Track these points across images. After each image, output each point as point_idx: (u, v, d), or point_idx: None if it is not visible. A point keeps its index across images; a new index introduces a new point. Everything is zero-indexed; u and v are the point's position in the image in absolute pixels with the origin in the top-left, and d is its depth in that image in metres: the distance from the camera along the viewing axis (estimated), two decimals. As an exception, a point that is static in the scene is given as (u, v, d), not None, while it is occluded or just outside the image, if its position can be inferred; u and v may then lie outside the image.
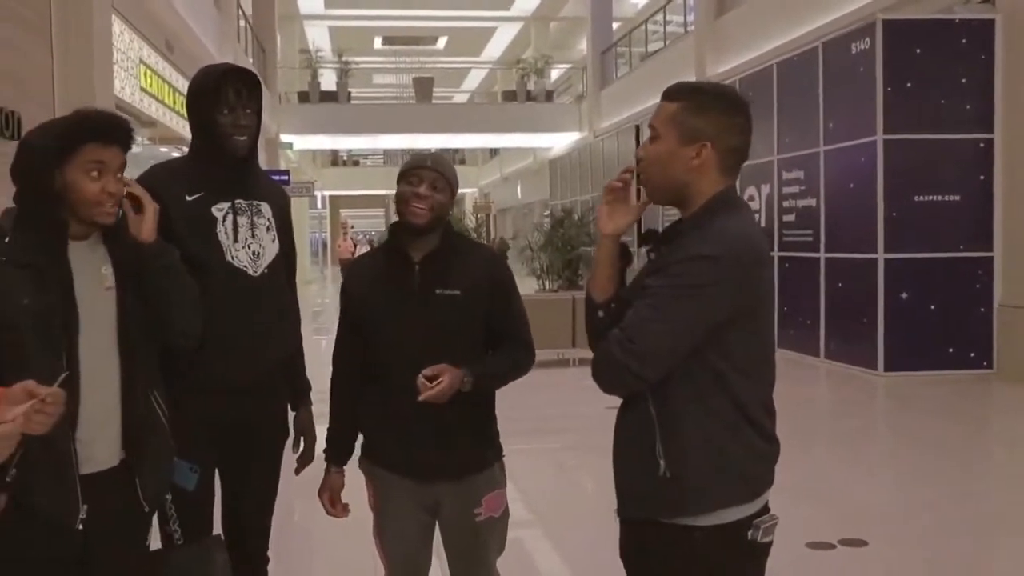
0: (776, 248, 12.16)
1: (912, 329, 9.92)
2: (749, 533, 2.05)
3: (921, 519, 5.36)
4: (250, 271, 2.76)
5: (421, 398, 2.49)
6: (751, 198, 12.91)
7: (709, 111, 2.07)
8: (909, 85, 9.85)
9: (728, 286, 1.97)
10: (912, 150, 9.87)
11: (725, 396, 2.02)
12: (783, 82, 12.06)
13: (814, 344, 11.21)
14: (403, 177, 2.69)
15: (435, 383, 2.50)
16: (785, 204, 11.97)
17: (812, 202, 11.31)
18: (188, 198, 2.70)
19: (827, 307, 11.04)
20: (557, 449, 7.37)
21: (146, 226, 2.39)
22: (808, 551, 4.72)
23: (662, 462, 2.01)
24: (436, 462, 2.69)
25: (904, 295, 9.94)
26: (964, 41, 9.90)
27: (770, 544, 2.11)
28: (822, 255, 11.09)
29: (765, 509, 2.10)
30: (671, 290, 1.96)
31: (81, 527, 2.29)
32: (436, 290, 2.66)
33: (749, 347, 2.05)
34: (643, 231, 2.26)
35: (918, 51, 9.87)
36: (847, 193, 10.57)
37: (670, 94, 2.12)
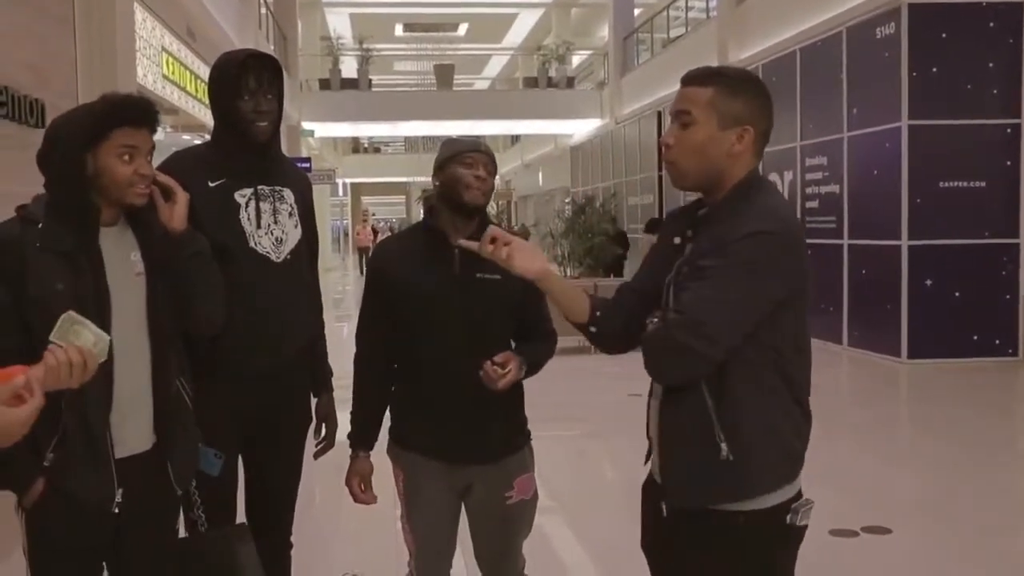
0: (799, 235, 12.07)
1: (936, 316, 9.85)
2: (788, 517, 2.04)
3: (945, 507, 5.33)
4: (273, 257, 2.77)
5: (500, 386, 2.48)
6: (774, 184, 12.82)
7: (745, 94, 2.06)
8: (935, 70, 9.75)
9: (788, 260, 1.97)
10: (937, 136, 9.78)
11: (778, 375, 2.02)
12: (806, 68, 11.96)
13: (837, 331, 11.15)
14: (456, 160, 2.65)
15: (506, 370, 2.49)
16: (808, 191, 11.90)
17: (835, 188, 11.23)
18: (211, 184, 2.71)
19: (850, 294, 10.97)
20: (578, 436, 7.37)
21: (178, 214, 2.41)
22: (831, 538, 4.71)
23: (724, 446, 1.98)
24: (469, 445, 2.69)
25: (928, 282, 9.86)
26: (991, 25, 9.78)
27: (805, 528, 2.10)
28: (845, 242, 11.02)
29: (800, 493, 2.10)
30: (734, 268, 1.93)
31: (116, 511, 2.32)
32: (477, 274, 2.64)
33: (799, 323, 2.06)
34: (649, 220, 2.26)
35: (944, 35, 9.76)
36: (871, 179, 10.49)
37: (699, 79, 2.09)
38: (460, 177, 2.63)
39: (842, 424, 7.68)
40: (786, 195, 12.42)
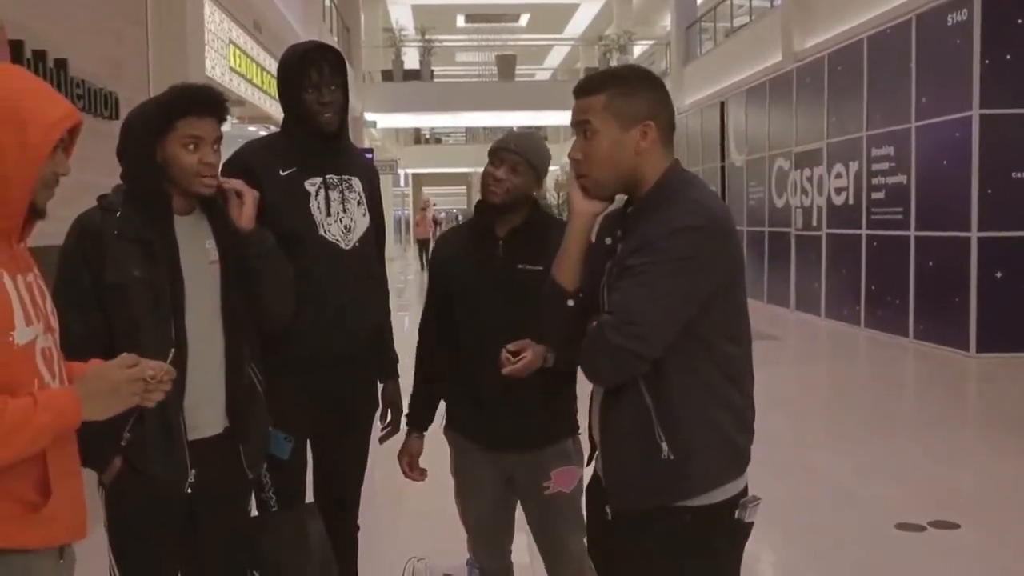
0: (864, 226, 11.91)
1: (1006, 309, 9.62)
2: (736, 512, 2.03)
3: (1015, 503, 5.22)
4: (342, 244, 2.82)
5: (504, 372, 2.52)
6: (838, 175, 12.65)
7: (640, 91, 2.04)
8: (1008, 57, 9.51)
9: (716, 254, 1.96)
10: (1010, 125, 9.54)
11: (715, 368, 2.00)
12: (873, 57, 11.75)
13: (903, 324, 10.97)
14: (489, 155, 2.74)
15: (518, 358, 2.52)
16: (874, 181, 11.69)
17: (903, 179, 11.02)
18: (282, 173, 2.77)
19: (917, 286, 10.77)
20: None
21: (245, 214, 2.46)
22: (897, 532, 4.66)
23: (664, 445, 1.97)
24: (508, 432, 2.75)
25: (999, 274, 9.64)
26: (1067, 10, 9.52)
27: (752, 526, 2.08)
28: (912, 233, 10.82)
29: (747, 489, 2.08)
30: (663, 265, 1.91)
31: (189, 491, 2.39)
32: (519, 265, 2.69)
33: (733, 315, 2.04)
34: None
35: (1019, 21, 9.51)
36: (940, 170, 10.28)
37: (590, 88, 2.07)
38: (484, 173, 2.73)
39: (908, 418, 7.57)
40: (851, 186, 12.26)
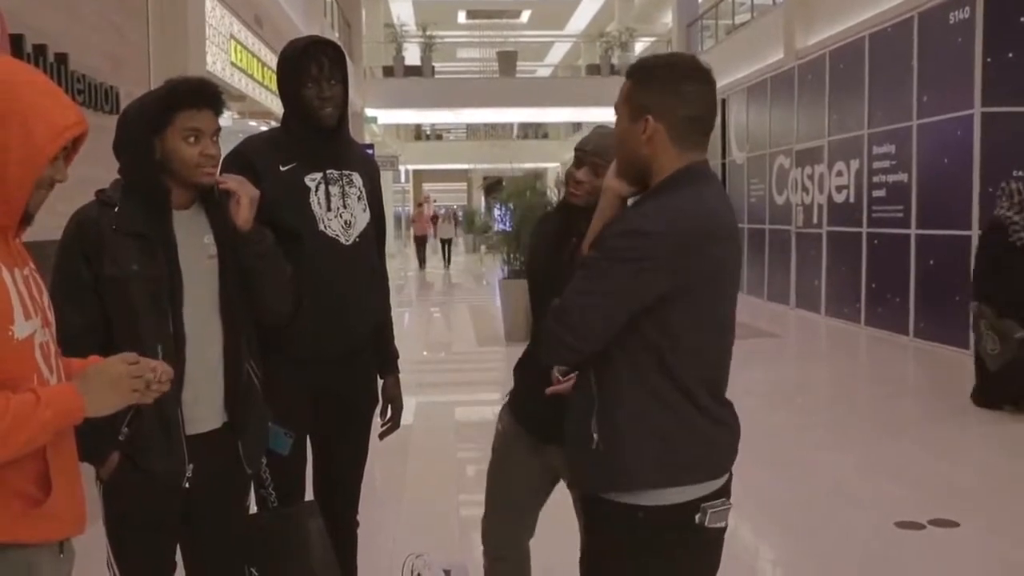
0: (865, 224, 11.90)
1: (1007, 308, 9.59)
2: (697, 517, 2.00)
3: (1014, 502, 5.22)
4: (342, 240, 2.81)
5: (548, 391, 2.50)
6: (839, 173, 12.64)
7: (651, 84, 2.03)
8: (1011, 55, 9.50)
9: (661, 262, 1.91)
10: (1012, 123, 9.52)
11: (664, 375, 1.97)
12: (875, 54, 11.73)
13: (903, 322, 10.96)
14: (575, 153, 2.74)
15: (567, 378, 2.48)
16: (875, 179, 11.68)
17: (904, 177, 11.01)
18: (282, 168, 2.77)
19: (917, 285, 10.77)
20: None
21: (242, 216, 2.46)
22: (897, 530, 4.66)
23: (595, 436, 2.01)
24: (550, 426, 2.73)
25: (1000, 273, 9.62)
26: (1070, 9, 9.49)
27: (723, 530, 2.06)
28: (913, 231, 10.81)
29: (718, 494, 2.04)
30: (604, 263, 1.94)
31: (187, 486, 2.39)
32: None
33: (692, 326, 1.98)
34: None
35: (1022, 19, 9.49)
36: (941, 168, 10.26)
37: (626, 74, 2.11)
38: (567, 175, 2.75)
39: (908, 416, 7.57)
40: (851, 184, 12.25)
